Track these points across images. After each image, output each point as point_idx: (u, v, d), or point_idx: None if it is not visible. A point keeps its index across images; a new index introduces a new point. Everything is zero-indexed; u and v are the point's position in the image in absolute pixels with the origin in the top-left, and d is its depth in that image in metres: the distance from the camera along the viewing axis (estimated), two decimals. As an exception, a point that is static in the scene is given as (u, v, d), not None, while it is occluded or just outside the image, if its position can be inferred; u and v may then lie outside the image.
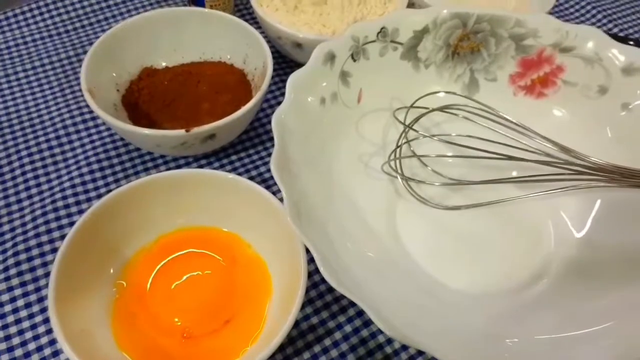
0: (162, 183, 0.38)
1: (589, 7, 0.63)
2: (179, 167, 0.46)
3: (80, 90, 0.50)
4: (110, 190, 0.44)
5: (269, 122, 0.50)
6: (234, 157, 0.47)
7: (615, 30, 0.61)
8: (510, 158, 0.39)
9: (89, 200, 0.44)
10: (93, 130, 0.48)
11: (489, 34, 0.45)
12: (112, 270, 0.37)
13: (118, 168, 0.46)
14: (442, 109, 0.43)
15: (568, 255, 0.39)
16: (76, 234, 0.35)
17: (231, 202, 0.38)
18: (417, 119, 0.44)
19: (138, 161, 0.46)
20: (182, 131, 0.40)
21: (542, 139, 0.40)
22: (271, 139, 0.49)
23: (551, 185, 0.41)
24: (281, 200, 0.37)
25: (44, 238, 0.41)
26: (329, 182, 0.40)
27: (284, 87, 0.53)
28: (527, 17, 0.44)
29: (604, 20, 0.62)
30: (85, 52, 0.54)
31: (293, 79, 0.39)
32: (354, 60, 0.43)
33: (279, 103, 0.51)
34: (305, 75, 0.40)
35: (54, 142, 0.47)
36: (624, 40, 0.55)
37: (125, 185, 0.37)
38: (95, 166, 0.46)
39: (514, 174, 0.43)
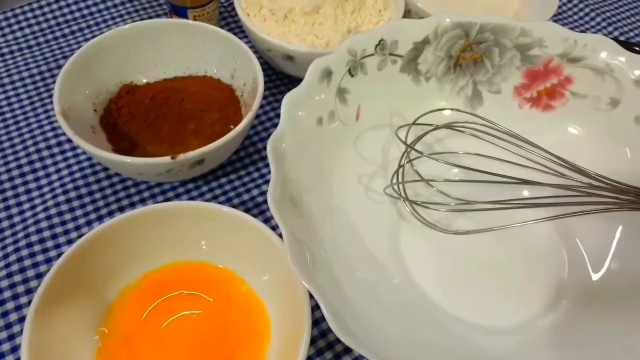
0: (146, 218, 0.34)
1: (587, 10, 0.60)
2: (163, 192, 0.43)
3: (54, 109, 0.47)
4: (89, 221, 0.41)
5: (260, 141, 0.47)
6: (223, 180, 0.44)
7: (616, 33, 0.59)
8: (526, 182, 0.36)
9: (66, 233, 0.40)
10: (69, 154, 0.44)
11: (492, 44, 0.43)
12: (93, 316, 0.34)
13: (98, 195, 0.42)
14: (446, 126, 0.40)
15: (582, 286, 0.37)
16: (53, 277, 0.32)
17: (223, 234, 0.35)
18: (420, 137, 0.41)
19: (119, 187, 0.43)
20: (167, 158, 0.36)
21: (555, 158, 0.38)
22: (263, 158, 0.46)
23: (566, 209, 0.38)
24: (273, 228, 0.34)
25: (17, 278, 0.37)
26: (329, 210, 0.37)
27: (275, 101, 0.50)
28: (532, 26, 0.42)
29: (604, 24, 0.59)
30: (58, 67, 0.51)
31: (288, 100, 0.35)
32: (352, 76, 0.40)
33: (270, 119, 0.49)
34: (301, 95, 0.36)
35: (26, 169, 0.43)
36: (627, 45, 0.53)
37: (106, 222, 0.34)
38: (72, 194, 0.42)
39: (526, 193, 0.41)
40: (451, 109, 0.42)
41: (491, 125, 0.40)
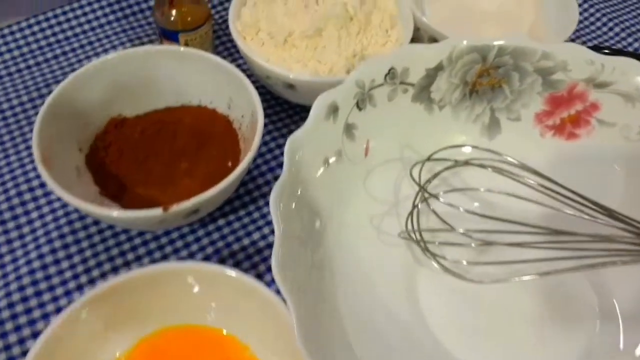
0: (139, 281, 0.31)
1: (605, 20, 0.57)
2: (156, 238, 0.39)
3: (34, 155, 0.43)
4: (76, 275, 0.37)
5: (260, 175, 0.43)
6: (221, 222, 0.41)
7: (636, 45, 0.55)
8: (558, 232, 0.33)
9: (51, 289, 0.36)
10: (53, 197, 0.41)
11: (511, 68, 0.39)
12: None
13: (85, 244, 0.39)
14: (465, 163, 0.37)
15: (613, 348, 0.34)
16: (39, 350, 0.29)
17: (225, 298, 0.32)
18: (436, 175, 0.38)
19: (109, 234, 0.39)
20: (158, 210, 0.33)
21: (586, 201, 0.34)
22: (263, 195, 0.42)
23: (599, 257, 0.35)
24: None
25: (-3, 345, 0.34)
26: (340, 261, 0.34)
27: (275, 130, 0.46)
28: (555, 48, 0.38)
29: (623, 34, 0.56)
30: (40, 96, 0.47)
31: (292, 145, 0.32)
32: (360, 110, 0.37)
33: (270, 150, 0.45)
34: (305, 136, 0.33)
35: (7, 215, 0.40)
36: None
37: (94, 288, 0.30)
38: (57, 244, 0.38)
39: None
40: (471, 146, 0.38)
41: (514, 162, 0.36)
